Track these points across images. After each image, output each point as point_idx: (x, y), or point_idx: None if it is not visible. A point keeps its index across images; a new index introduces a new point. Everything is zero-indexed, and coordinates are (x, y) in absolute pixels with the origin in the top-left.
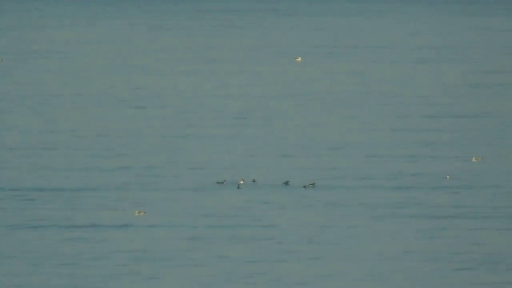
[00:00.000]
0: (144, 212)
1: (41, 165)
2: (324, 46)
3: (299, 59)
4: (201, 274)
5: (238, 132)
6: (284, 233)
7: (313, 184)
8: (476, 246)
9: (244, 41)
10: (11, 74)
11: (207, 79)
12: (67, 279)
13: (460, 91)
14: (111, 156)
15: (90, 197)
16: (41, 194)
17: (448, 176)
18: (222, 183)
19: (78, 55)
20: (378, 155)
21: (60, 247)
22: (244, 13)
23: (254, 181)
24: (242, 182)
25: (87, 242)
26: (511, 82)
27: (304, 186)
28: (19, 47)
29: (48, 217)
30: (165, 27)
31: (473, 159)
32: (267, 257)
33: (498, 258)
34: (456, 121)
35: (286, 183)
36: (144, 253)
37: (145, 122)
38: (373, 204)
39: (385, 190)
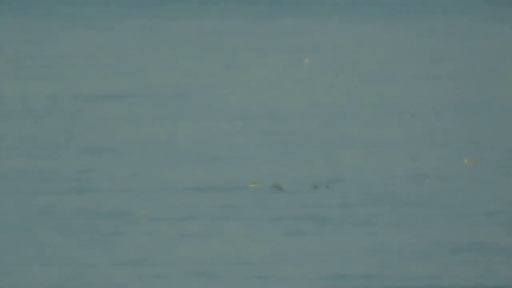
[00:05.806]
0: (147, 214)
1: (45, 167)
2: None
3: (307, 60)
4: (206, 279)
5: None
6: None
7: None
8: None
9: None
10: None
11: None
12: (67, 280)
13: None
14: (115, 155)
15: (92, 197)
16: (41, 195)
17: (427, 180)
18: (254, 184)
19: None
20: (371, 155)
21: (61, 249)
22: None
23: (277, 186)
24: (280, 185)
25: (89, 242)
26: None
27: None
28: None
29: (48, 218)
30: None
31: (465, 161)
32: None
33: None
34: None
35: (315, 186)
36: (149, 255)
37: (160, 120)
38: (346, 210)
39: (361, 194)
